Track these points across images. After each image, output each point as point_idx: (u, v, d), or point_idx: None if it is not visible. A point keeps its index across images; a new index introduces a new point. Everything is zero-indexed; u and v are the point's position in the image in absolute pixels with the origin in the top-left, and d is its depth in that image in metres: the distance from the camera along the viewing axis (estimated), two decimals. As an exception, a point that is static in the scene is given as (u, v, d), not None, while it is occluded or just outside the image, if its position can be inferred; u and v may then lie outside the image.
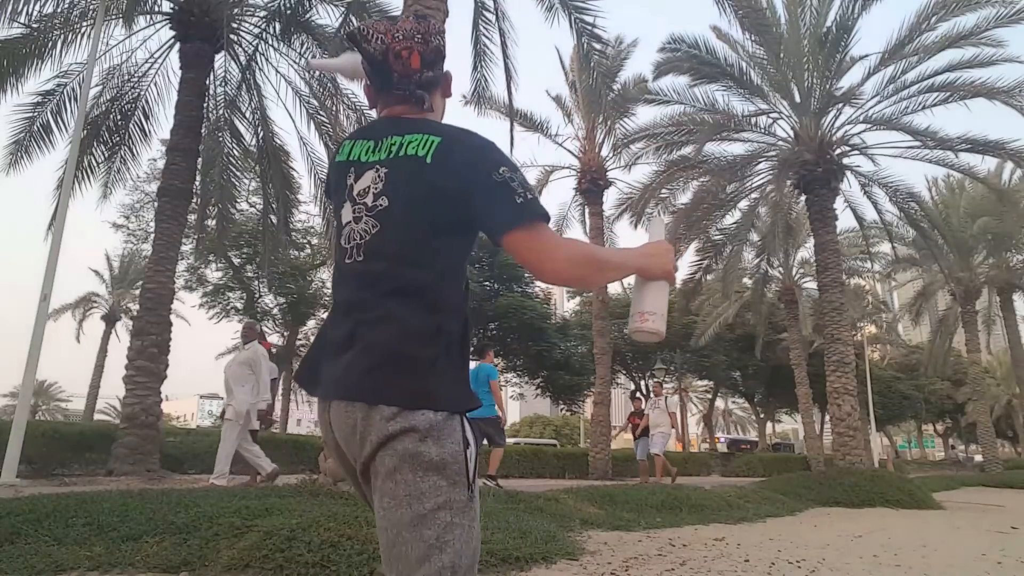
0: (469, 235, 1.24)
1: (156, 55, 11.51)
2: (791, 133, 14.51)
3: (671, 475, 11.02)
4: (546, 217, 1.18)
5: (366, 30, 1.27)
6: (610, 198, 19.61)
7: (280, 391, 26.94)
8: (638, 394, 20.63)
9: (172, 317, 9.77)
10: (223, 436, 6.80)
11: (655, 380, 12.16)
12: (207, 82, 10.72)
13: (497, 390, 8.40)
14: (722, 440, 45.14)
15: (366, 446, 1.11)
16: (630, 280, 1.35)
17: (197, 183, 10.93)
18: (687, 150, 15.37)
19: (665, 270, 1.30)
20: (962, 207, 23.64)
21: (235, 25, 10.89)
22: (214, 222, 13.04)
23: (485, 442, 8.15)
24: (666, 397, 11.60)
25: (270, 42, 11.34)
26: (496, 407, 8.11)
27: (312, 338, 27.65)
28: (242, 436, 6.77)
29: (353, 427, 1.13)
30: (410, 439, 1.08)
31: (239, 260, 21.09)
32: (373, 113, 1.38)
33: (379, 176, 1.23)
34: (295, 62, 11.58)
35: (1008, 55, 12.85)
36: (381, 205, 1.21)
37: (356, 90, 12.64)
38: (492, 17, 9.50)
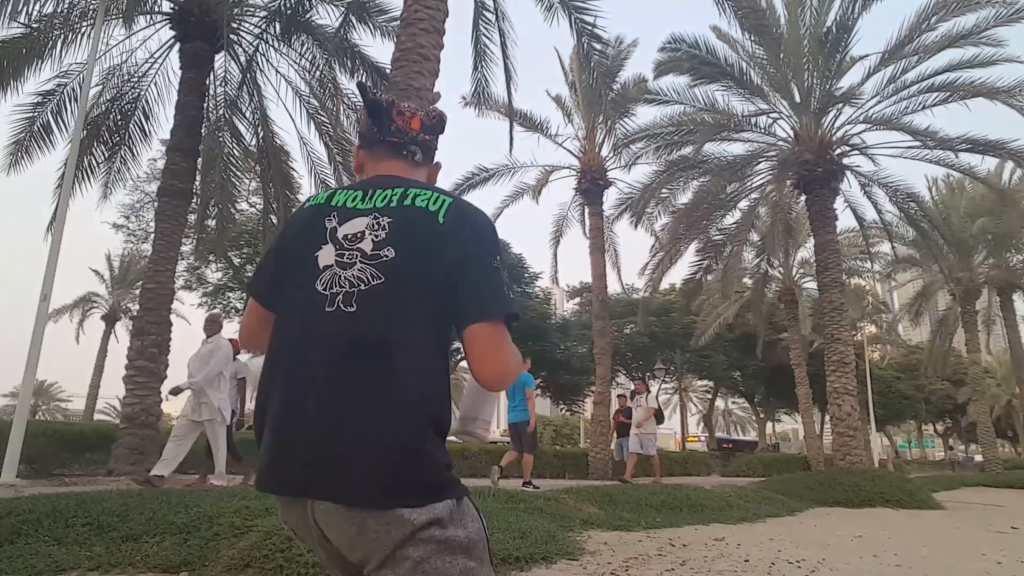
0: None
1: (156, 55, 11.52)
2: (791, 133, 14.51)
3: (630, 475, 10.74)
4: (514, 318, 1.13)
5: (375, 88, 1.30)
6: (610, 198, 19.57)
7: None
8: (631, 388, 20.60)
9: (172, 317, 9.77)
10: (214, 436, 6.79)
11: (638, 378, 11.74)
12: (207, 82, 10.72)
13: (532, 397, 8.65)
14: (701, 440, 43.91)
15: (383, 548, 1.01)
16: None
17: (197, 183, 10.92)
18: (687, 150, 15.38)
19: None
20: (962, 207, 23.64)
21: (235, 25, 10.89)
22: (214, 222, 13.03)
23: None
24: (647, 395, 10.95)
25: (270, 42, 11.34)
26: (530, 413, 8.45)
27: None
28: (190, 432, 6.69)
29: (360, 528, 1.01)
30: (436, 528, 1.02)
31: (239, 260, 21.08)
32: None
33: (378, 224, 1.14)
34: (295, 62, 11.59)
35: (1008, 55, 12.86)
36: (386, 256, 1.11)
37: (356, 90, 12.58)
38: (492, 17, 9.50)
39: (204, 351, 6.93)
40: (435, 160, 1.37)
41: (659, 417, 10.95)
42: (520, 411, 8.47)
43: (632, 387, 13.15)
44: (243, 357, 8.07)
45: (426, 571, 1.00)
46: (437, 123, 1.33)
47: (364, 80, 10.99)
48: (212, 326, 7.24)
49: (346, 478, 1.01)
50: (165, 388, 9.37)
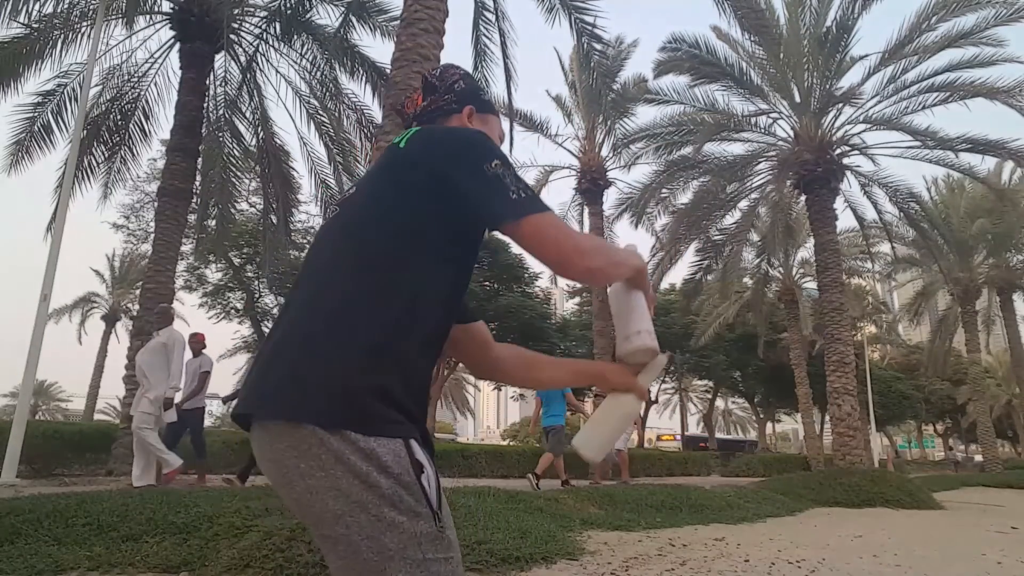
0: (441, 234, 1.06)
1: (156, 55, 11.54)
2: (791, 133, 14.51)
3: (614, 474, 10.47)
4: (541, 207, 1.05)
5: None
6: (610, 198, 19.65)
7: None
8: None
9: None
10: (141, 430, 6.47)
11: None
12: (207, 82, 10.73)
13: (574, 400, 9.30)
14: (677, 439, 41.48)
15: None
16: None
17: (197, 183, 10.92)
18: (687, 150, 15.38)
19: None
20: (962, 207, 23.64)
21: (235, 25, 10.90)
22: (214, 222, 13.03)
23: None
24: None
25: (270, 42, 11.34)
26: (564, 417, 9.08)
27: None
28: (149, 425, 6.46)
29: None
30: None
31: (239, 260, 21.08)
32: (375, 114, 1.40)
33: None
34: (295, 62, 11.59)
35: (1008, 55, 12.86)
36: (348, 193, 1.17)
37: (356, 90, 12.62)
38: (492, 17, 9.50)
39: (153, 344, 6.72)
40: (467, 104, 1.31)
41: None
42: (553, 416, 8.86)
43: None
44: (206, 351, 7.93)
45: None
46: (438, 80, 1.31)
47: (364, 80, 11.01)
48: (163, 318, 7.05)
49: None
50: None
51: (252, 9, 11.45)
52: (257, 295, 22.50)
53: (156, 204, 10.57)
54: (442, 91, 1.31)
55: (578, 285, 30.11)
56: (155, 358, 6.59)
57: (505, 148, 1.25)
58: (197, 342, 7.84)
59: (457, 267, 1.09)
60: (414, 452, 0.95)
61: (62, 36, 10.41)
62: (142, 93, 11.77)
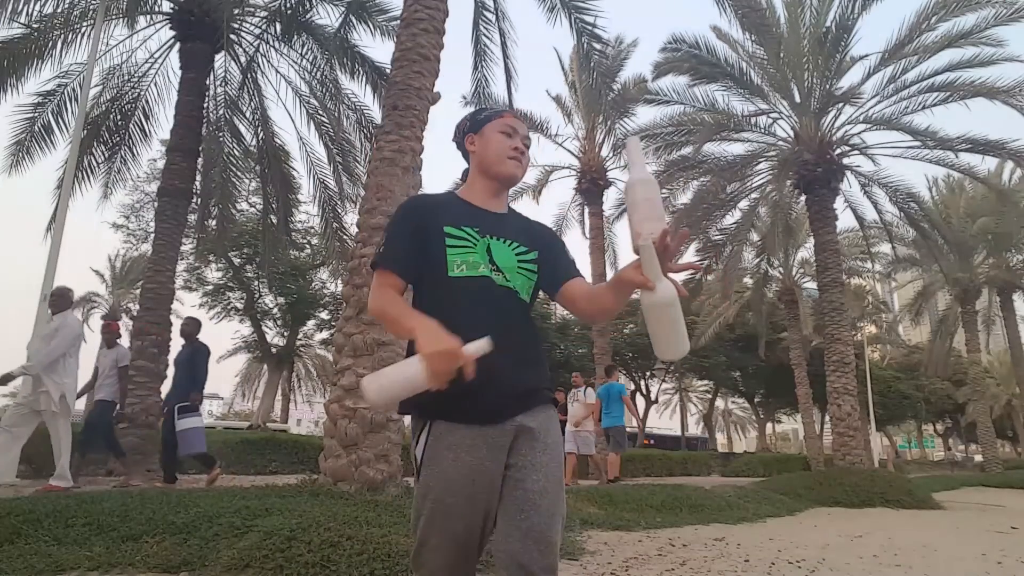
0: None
1: (156, 55, 11.52)
2: (791, 133, 14.51)
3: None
4: (374, 265, 1.51)
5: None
6: (610, 198, 19.63)
7: (279, 392, 26.95)
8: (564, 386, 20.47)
9: (172, 317, 9.76)
10: (54, 430, 6.12)
11: (575, 373, 11.18)
12: (207, 82, 10.72)
13: (629, 403, 9.96)
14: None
15: None
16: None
17: (197, 183, 10.92)
18: (687, 150, 15.36)
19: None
20: (962, 207, 23.63)
21: (235, 25, 10.89)
22: (214, 222, 13.03)
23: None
24: (585, 388, 10.01)
25: (271, 42, 11.34)
26: (623, 417, 9.74)
27: (309, 338, 27.34)
28: (27, 421, 6.00)
29: None
30: None
31: (239, 260, 21.08)
32: (375, 114, 1.48)
33: None
34: (295, 62, 11.59)
35: (1008, 54, 12.84)
36: None
37: (356, 90, 12.59)
38: (492, 17, 9.51)
39: (47, 331, 6.21)
40: (466, 136, 1.70)
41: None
42: (614, 417, 9.63)
43: (631, 388, 13.26)
44: (124, 342, 7.47)
45: None
46: (455, 140, 1.74)
47: (364, 80, 11.01)
48: (59, 301, 6.41)
49: None
50: (165, 388, 9.38)
51: (252, 9, 11.44)
52: (257, 295, 22.51)
53: (156, 204, 10.56)
54: (457, 145, 1.70)
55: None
56: (44, 346, 6.05)
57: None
58: (111, 332, 7.36)
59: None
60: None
61: (62, 36, 10.40)
62: (142, 93, 11.77)
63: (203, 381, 7.28)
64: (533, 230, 1.65)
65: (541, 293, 1.62)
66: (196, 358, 7.30)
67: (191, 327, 7.62)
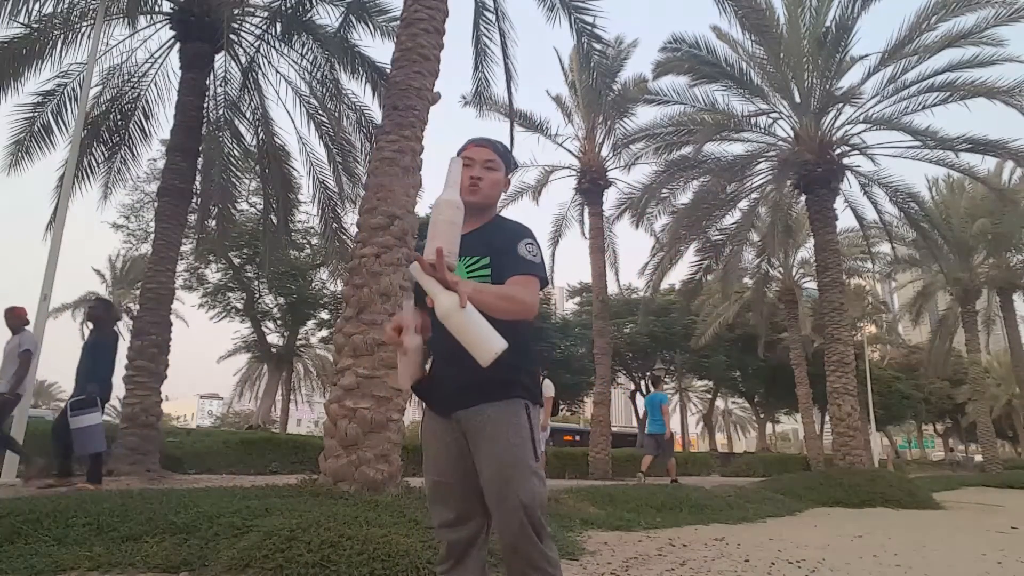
0: None
1: (156, 55, 11.50)
2: (791, 133, 14.51)
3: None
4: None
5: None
6: (610, 198, 19.61)
7: (279, 393, 26.91)
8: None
9: (172, 317, 9.77)
10: None
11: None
12: (207, 82, 10.71)
13: (667, 412, 10.94)
14: (576, 439, 35.78)
15: None
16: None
17: (197, 183, 10.91)
18: (687, 150, 15.36)
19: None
20: (962, 207, 23.62)
21: (235, 25, 10.88)
22: (214, 222, 13.02)
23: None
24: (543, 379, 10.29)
25: (271, 42, 11.33)
26: (665, 425, 10.80)
27: (310, 338, 27.39)
28: None
29: None
30: None
31: (239, 260, 21.09)
32: (375, 114, 1.49)
33: None
34: (295, 62, 11.58)
35: (1008, 54, 12.84)
36: None
37: (356, 90, 12.57)
38: (492, 17, 9.49)
39: (9, 348, 6.32)
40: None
41: (554, 409, 10.08)
42: (658, 423, 10.76)
43: (632, 388, 13.74)
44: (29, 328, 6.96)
45: None
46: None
47: (364, 80, 11.00)
48: (15, 320, 6.44)
49: None
50: (165, 388, 9.39)
51: (252, 9, 11.43)
52: (257, 295, 22.52)
53: (156, 204, 10.55)
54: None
55: (578, 285, 30.12)
56: (12, 364, 6.02)
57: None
58: (15, 317, 6.78)
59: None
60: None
61: (62, 36, 10.38)
62: (142, 93, 11.75)
63: (106, 374, 6.62)
64: (497, 235, 1.79)
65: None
66: (98, 349, 6.67)
67: (97, 310, 6.98)
